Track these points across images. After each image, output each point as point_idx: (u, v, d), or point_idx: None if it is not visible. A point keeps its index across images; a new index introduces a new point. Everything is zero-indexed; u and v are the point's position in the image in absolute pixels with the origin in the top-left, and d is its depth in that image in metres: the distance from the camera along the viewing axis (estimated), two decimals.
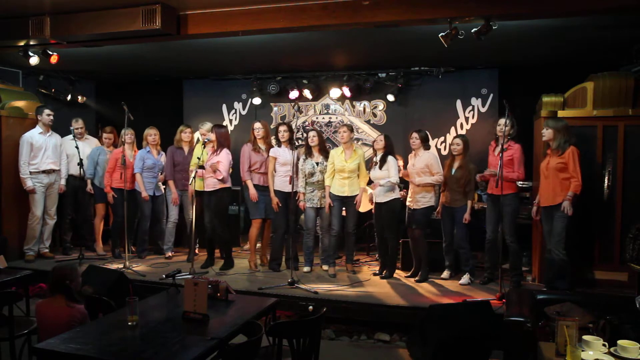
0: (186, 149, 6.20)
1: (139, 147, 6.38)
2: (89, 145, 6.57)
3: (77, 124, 6.49)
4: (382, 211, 5.40)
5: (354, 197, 5.47)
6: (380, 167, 5.32)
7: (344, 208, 5.60)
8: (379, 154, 5.39)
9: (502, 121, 5.09)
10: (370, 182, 5.65)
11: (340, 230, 5.54)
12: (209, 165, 5.50)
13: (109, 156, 6.34)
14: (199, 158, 5.42)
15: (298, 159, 5.60)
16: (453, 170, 5.31)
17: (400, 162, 5.48)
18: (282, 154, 5.58)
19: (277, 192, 5.61)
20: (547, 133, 4.71)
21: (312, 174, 5.54)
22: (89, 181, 6.37)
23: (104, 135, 6.62)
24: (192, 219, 5.55)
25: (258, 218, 5.71)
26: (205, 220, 5.75)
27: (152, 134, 6.23)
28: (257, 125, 5.78)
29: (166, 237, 6.33)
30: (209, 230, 5.77)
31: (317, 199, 5.58)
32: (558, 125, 4.67)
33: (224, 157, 5.58)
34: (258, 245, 6.10)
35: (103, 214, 6.51)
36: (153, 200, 6.27)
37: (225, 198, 5.73)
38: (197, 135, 6.68)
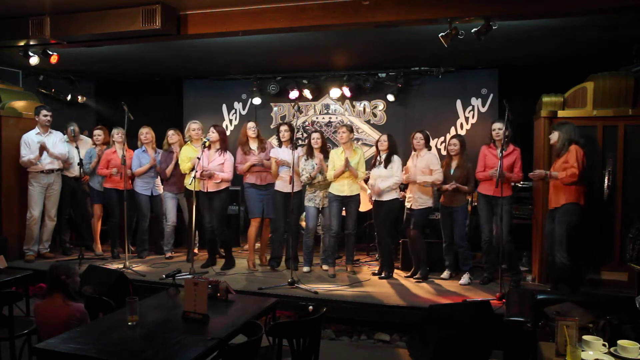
0: (176, 150, 6.13)
1: (134, 146, 6.34)
2: (82, 147, 6.52)
3: (74, 127, 6.48)
4: (380, 210, 5.41)
5: (353, 196, 5.46)
6: (385, 166, 5.31)
7: (344, 208, 5.60)
8: (384, 154, 5.38)
9: (495, 125, 5.12)
10: (366, 181, 5.65)
11: (339, 230, 5.53)
12: (212, 169, 5.52)
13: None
14: (199, 158, 5.41)
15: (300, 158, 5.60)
16: (452, 170, 5.31)
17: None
18: (282, 154, 5.57)
19: (277, 193, 5.62)
20: (552, 136, 4.72)
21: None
22: (86, 178, 6.30)
23: (95, 132, 6.52)
24: (192, 219, 5.54)
25: (257, 217, 5.72)
26: (206, 220, 5.75)
27: (143, 133, 6.20)
28: (251, 124, 5.78)
29: (166, 238, 6.32)
30: (209, 231, 5.77)
31: (319, 199, 5.58)
32: (561, 128, 4.67)
33: (229, 160, 5.64)
34: (257, 245, 6.10)
35: (100, 214, 6.48)
36: (152, 201, 6.27)
37: (226, 199, 5.76)
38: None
